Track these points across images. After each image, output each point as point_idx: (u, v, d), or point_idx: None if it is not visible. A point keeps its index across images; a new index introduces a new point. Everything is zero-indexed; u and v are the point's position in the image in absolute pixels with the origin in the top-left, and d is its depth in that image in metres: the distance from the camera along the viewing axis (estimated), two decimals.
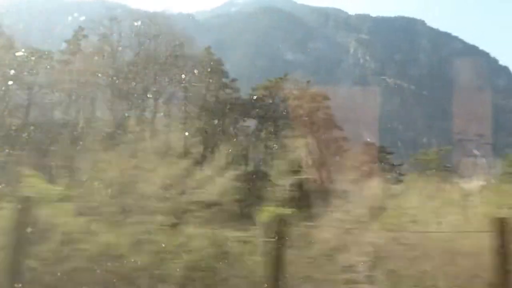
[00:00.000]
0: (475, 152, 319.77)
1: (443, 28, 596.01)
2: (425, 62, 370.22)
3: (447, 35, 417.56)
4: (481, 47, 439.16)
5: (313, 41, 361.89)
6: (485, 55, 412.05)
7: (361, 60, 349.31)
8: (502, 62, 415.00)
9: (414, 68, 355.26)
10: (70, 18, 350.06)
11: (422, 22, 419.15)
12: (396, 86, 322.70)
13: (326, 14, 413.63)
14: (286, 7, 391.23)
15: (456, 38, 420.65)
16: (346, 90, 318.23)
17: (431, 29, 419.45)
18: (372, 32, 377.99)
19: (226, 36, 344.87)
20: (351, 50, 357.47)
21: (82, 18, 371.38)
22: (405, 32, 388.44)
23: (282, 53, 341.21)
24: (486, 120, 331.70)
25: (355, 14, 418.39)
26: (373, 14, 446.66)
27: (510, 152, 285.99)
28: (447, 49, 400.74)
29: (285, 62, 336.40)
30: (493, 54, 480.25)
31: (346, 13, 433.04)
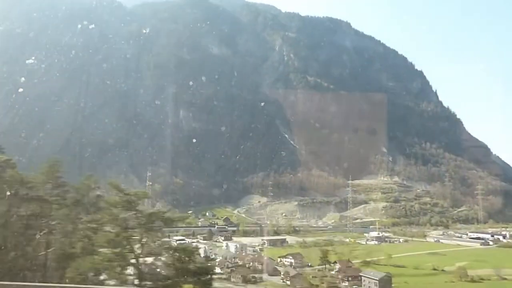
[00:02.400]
0: (383, 149, 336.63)
1: (367, 31, 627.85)
2: (347, 63, 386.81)
3: (370, 38, 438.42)
4: (400, 52, 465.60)
5: (240, 36, 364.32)
6: (403, 59, 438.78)
7: (286, 58, 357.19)
8: (417, 66, 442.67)
9: (336, 68, 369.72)
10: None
11: (348, 25, 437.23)
12: (316, 85, 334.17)
13: (257, 10, 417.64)
14: (217, 0, 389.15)
15: (378, 42, 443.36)
16: (268, 87, 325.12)
17: (356, 31, 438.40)
18: (299, 31, 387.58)
19: (152, 25, 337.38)
20: (277, 47, 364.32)
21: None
22: (331, 33, 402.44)
23: (209, 47, 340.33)
24: (398, 120, 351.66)
25: (285, 12, 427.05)
26: (303, 13, 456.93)
27: (417, 149, 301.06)
28: (369, 51, 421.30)
29: (210, 55, 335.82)
30: (410, 58, 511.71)
31: (278, 10, 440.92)
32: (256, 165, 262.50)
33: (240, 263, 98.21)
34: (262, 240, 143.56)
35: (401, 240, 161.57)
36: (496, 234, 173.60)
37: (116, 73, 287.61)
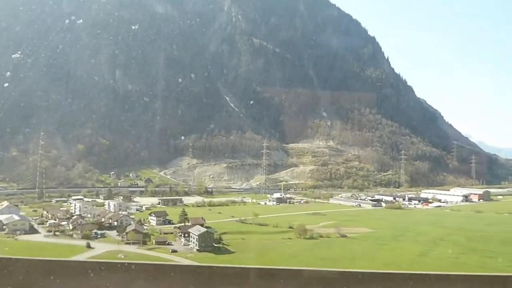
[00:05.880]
0: (323, 114, 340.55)
1: None
2: (299, 27, 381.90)
3: (324, 2, 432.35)
4: (355, 17, 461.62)
5: None
6: (357, 24, 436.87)
7: (234, 19, 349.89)
8: (371, 32, 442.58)
9: (286, 32, 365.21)
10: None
11: None
12: (261, 48, 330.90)
13: None
14: None
15: (333, 5, 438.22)
16: (213, 48, 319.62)
17: None
18: None
19: None
20: (226, 8, 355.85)
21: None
22: None
23: (153, 5, 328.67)
24: (342, 85, 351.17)
25: None
26: None
27: (355, 115, 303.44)
28: (322, 15, 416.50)
29: (154, 14, 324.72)
30: (364, 24, 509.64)
31: None
32: (191, 127, 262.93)
33: (102, 220, 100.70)
34: (158, 200, 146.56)
35: (302, 201, 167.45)
36: (398, 197, 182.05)
37: (49, 31, 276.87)
